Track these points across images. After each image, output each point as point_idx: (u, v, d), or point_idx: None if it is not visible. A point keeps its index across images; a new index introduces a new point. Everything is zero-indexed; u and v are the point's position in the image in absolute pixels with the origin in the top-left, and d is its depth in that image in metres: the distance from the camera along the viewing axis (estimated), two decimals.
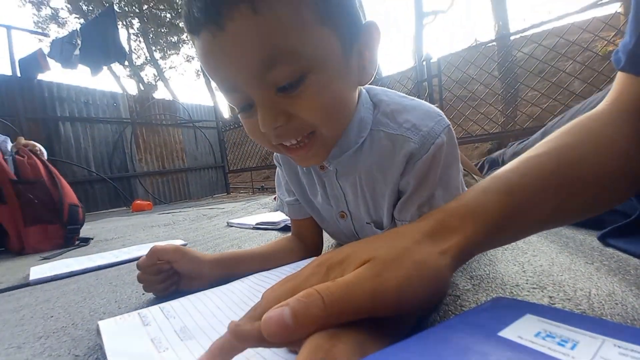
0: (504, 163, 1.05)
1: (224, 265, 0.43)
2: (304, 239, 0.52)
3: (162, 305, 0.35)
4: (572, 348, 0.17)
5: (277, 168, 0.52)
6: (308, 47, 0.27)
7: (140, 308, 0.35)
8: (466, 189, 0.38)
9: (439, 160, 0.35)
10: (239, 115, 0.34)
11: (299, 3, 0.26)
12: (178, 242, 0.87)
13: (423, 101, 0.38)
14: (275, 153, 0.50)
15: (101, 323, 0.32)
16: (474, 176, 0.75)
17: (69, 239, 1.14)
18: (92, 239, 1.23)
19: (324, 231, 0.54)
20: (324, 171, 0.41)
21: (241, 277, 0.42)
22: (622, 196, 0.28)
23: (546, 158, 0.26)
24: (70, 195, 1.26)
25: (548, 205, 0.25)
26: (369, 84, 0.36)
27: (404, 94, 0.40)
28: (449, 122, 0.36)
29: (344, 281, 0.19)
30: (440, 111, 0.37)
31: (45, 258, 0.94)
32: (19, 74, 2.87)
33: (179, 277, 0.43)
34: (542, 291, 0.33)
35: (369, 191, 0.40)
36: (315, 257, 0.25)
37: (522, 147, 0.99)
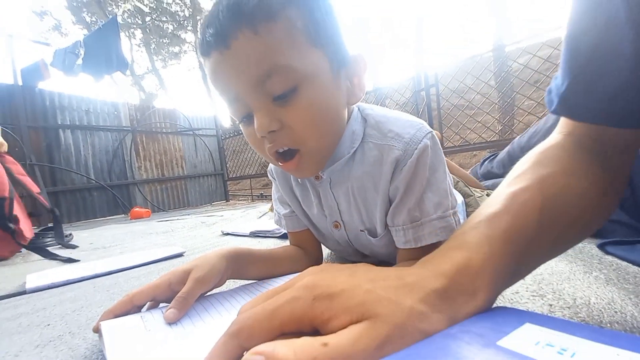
0: (479, 176, 1.06)
1: (235, 269, 0.40)
2: (305, 249, 0.52)
3: (164, 309, 0.34)
4: (572, 357, 0.17)
5: (272, 182, 0.53)
6: (300, 63, 0.31)
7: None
8: (455, 192, 0.39)
9: (424, 164, 0.37)
10: (240, 125, 0.37)
11: (293, 28, 0.31)
12: (176, 250, 0.87)
13: (406, 113, 0.42)
14: (269, 167, 0.51)
15: (103, 324, 0.31)
16: (469, 187, 0.76)
17: (18, 240, 1.02)
18: (79, 261, 0.96)
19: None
20: (318, 181, 0.42)
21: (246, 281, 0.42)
22: (600, 222, 0.28)
23: (530, 194, 0.25)
24: (3, 187, 1.08)
25: (545, 242, 0.25)
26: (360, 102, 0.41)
27: (387, 109, 0.43)
28: (431, 130, 0.39)
29: (338, 351, 0.16)
30: (423, 121, 0.40)
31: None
32: (20, 83, 2.89)
33: None
34: (541, 299, 0.33)
35: (361, 200, 0.41)
36: (301, 272, 0.22)
37: (494, 164, 1.01)
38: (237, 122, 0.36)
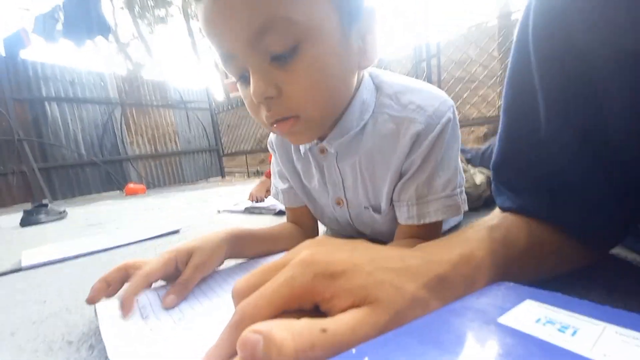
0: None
1: (234, 251, 0.40)
2: (301, 226, 0.52)
3: (159, 290, 0.34)
4: (573, 334, 0.17)
5: (272, 155, 0.51)
6: (304, 16, 0.26)
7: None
8: (462, 170, 0.38)
9: (443, 140, 0.34)
10: (237, 86, 0.33)
11: None
12: (171, 227, 0.87)
13: (426, 83, 0.38)
14: (269, 138, 0.49)
15: (98, 306, 0.31)
16: (464, 163, 0.75)
17: None
18: None
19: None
20: (323, 154, 0.40)
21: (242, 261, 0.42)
22: (584, 262, 0.31)
23: (518, 217, 0.28)
24: None
25: (532, 259, 0.27)
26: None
27: (405, 76, 0.39)
28: (453, 103, 0.36)
29: (337, 337, 0.16)
30: (444, 93, 0.37)
31: None
32: (3, 54, 2.73)
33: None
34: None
35: (368, 174, 0.39)
36: (297, 246, 0.22)
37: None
38: (236, 80, 0.33)
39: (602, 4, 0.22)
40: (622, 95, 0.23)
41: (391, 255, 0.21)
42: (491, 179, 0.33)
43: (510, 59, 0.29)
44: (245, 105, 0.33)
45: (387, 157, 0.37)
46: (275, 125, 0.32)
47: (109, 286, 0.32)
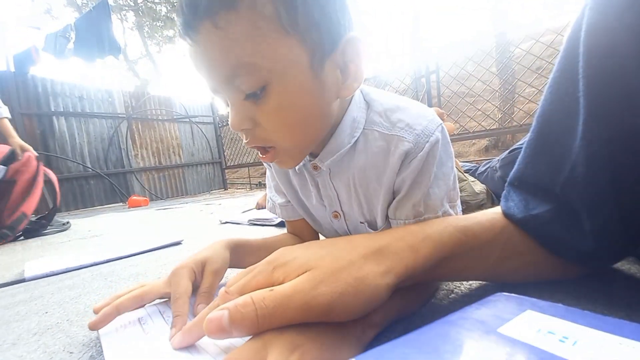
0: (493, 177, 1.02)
1: (235, 260, 0.41)
2: (301, 236, 0.52)
3: (161, 307, 0.34)
4: (574, 344, 0.17)
5: (267, 170, 0.51)
6: (268, 61, 0.28)
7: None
8: (458, 186, 0.39)
9: (434, 159, 0.35)
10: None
11: (258, 16, 0.27)
12: (174, 238, 0.87)
13: (415, 101, 0.38)
14: None
15: (102, 334, 0.31)
16: (462, 172, 0.76)
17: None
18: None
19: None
20: (317, 171, 0.40)
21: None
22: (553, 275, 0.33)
23: (501, 217, 0.31)
24: (30, 206, 1.41)
25: (493, 254, 0.30)
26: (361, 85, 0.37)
27: (395, 95, 0.40)
28: (442, 121, 0.37)
29: (280, 293, 0.22)
30: (433, 111, 0.38)
31: None
32: (12, 69, 2.83)
33: None
34: (542, 286, 0.33)
35: (362, 191, 0.39)
36: (276, 251, 0.26)
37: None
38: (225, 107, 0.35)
39: None
40: None
41: (345, 239, 0.27)
42: (507, 181, 0.34)
43: (556, 64, 0.29)
44: None
45: (379, 174, 0.37)
46: (260, 155, 0.34)
47: (119, 314, 0.32)
